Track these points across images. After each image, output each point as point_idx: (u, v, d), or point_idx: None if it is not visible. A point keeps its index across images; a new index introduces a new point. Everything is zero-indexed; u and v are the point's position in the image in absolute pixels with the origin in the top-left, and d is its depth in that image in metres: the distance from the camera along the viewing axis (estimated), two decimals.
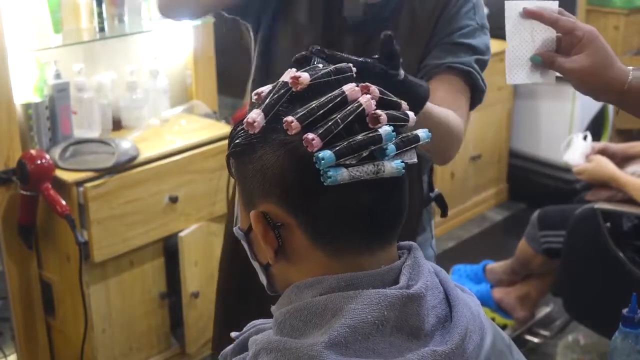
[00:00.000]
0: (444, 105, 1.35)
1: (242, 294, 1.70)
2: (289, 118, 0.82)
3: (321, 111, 0.83)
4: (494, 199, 4.07)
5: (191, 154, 2.56)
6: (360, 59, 1.05)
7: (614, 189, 2.53)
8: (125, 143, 2.47)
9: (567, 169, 3.37)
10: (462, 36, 1.44)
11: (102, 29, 2.53)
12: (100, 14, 2.52)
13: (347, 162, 0.81)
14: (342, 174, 0.80)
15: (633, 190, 2.46)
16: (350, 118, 0.82)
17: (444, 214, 1.70)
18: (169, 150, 2.53)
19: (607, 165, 2.55)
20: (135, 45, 2.71)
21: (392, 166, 0.83)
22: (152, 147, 2.53)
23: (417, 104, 1.17)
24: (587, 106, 3.93)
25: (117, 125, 2.66)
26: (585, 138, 2.68)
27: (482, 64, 1.46)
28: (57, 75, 2.45)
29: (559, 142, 2.94)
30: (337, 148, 0.80)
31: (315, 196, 0.82)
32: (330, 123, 0.82)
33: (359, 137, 0.81)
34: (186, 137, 2.62)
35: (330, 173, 0.80)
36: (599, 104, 4.03)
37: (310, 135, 0.80)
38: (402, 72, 1.11)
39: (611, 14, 4.45)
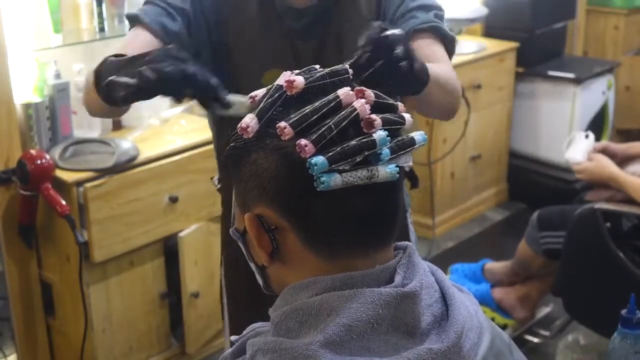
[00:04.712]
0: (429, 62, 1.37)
1: (251, 298, 1.69)
2: (282, 124, 0.81)
3: (315, 116, 0.82)
4: (494, 199, 4.07)
5: (191, 154, 2.56)
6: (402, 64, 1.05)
7: (614, 188, 2.53)
8: (125, 143, 2.47)
9: (567, 169, 3.36)
10: (413, 0, 1.47)
11: (102, 29, 2.54)
12: (100, 14, 2.52)
13: (341, 168, 0.80)
14: (335, 180, 0.79)
15: (633, 190, 2.45)
16: (344, 123, 0.81)
17: (413, 185, 1.69)
18: (169, 150, 2.53)
19: (607, 165, 2.55)
20: None
21: (387, 171, 0.82)
22: (152, 147, 2.53)
23: (422, 85, 1.18)
24: (587, 106, 3.92)
25: (117, 125, 2.66)
26: (587, 136, 2.68)
27: (441, 17, 1.48)
28: (57, 75, 2.45)
29: (559, 142, 2.93)
30: (331, 154, 0.79)
31: (308, 201, 0.82)
32: (323, 129, 0.81)
33: (353, 142, 0.80)
34: (186, 137, 2.62)
35: (323, 179, 0.79)
36: (599, 104, 4.03)
37: (303, 142, 0.80)
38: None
39: (611, 14, 4.44)
